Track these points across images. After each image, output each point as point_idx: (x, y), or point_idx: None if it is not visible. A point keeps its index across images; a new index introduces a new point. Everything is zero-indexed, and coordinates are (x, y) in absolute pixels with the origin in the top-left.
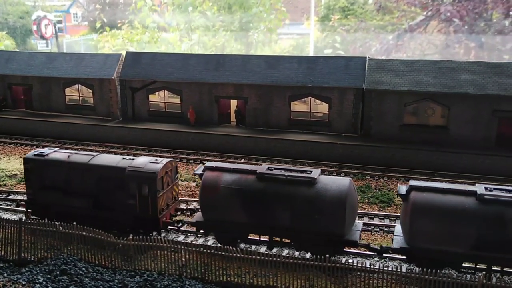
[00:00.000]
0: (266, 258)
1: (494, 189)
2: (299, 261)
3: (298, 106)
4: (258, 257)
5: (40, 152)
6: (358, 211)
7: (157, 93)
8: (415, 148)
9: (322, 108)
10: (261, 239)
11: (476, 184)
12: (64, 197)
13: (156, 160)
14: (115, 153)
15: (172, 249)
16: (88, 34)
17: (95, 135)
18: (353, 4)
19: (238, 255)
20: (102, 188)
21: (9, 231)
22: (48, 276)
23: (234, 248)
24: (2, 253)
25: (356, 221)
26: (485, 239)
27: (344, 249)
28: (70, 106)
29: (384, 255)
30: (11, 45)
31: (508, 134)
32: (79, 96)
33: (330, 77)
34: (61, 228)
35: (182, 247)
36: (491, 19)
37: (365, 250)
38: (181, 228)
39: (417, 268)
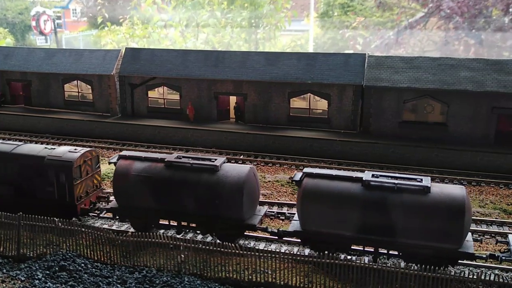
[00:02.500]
0: (265, 254)
1: (380, 175)
2: (298, 257)
3: (297, 103)
4: (257, 254)
5: None
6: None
7: (156, 89)
8: (414, 145)
9: (321, 104)
10: (171, 223)
11: (366, 171)
12: None
13: (75, 149)
14: (114, 150)
15: (171, 246)
16: (87, 30)
17: (94, 131)
18: (353, 1)
19: (237, 251)
20: (24, 176)
21: (8, 227)
22: (47, 272)
23: (232, 245)
24: (1, 249)
25: (259, 206)
26: (370, 223)
27: (245, 233)
28: (69, 102)
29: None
30: (10, 41)
31: (507, 131)
32: (78, 92)
33: (329, 74)
34: (60, 224)
35: (181, 243)
36: (491, 16)
37: (264, 234)
38: (100, 215)
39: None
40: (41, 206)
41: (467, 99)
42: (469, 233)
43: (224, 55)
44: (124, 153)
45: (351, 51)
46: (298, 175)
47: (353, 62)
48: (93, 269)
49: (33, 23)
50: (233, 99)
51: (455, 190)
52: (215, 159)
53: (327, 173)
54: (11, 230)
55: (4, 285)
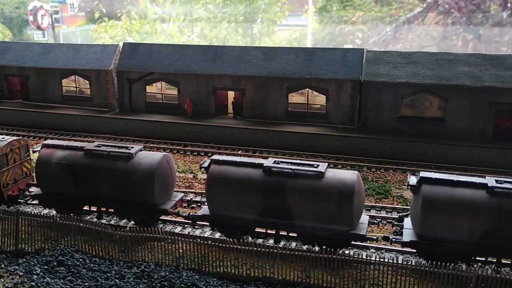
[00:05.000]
0: (263, 249)
1: (282, 162)
2: (296, 253)
3: (295, 98)
4: (255, 249)
5: None
6: None
7: (154, 84)
8: (412, 140)
9: (319, 100)
10: (91, 209)
11: (269, 158)
12: None
13: (3, 138)
14: None
15: (169, 240)
16: (85, 24)
17: (92, 127)
18: None
19: (235, 246)
20: None
21: (6, 222)
22: (46, 267)
23: (231, 240)
24: None
25: (176, 192)
26: (270, 206)
27: (160, 218)
28: (67, 97)
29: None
30: (7, 35)
31: (505, 127)
32: (76, 87)
33: (327, 69)
34: (58, 219)
35: (179, 238)
36: (489, 11)
37: (176, 218)
38: (27, 202)
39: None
40: None
41: (465, 94)
42: (366, 217)
43: (222, 50)
44: (47, 142)
45: (350, 46)
46: (206, 162)
47: (351, 57)
48: (91, 264)
49: (31, 18)
50: (231, 94)
51: (347, 175)
52: (132, 147)
53: (233, 159)
54: (9, 225)
55: (3, 280)
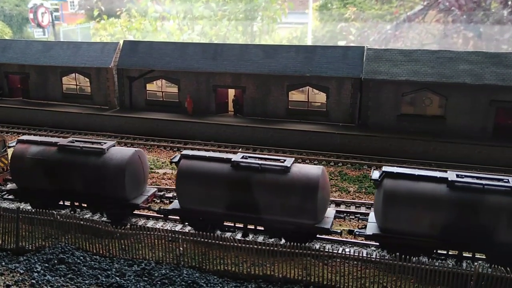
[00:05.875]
0: (264, 247)
1: (250, 157)
2: (297, 250)
3: (296, 96)
4: (256, 247)
5: None
6: None
7: (154, 82)
8: (412, 138)
9: (320, 97)
10: (65, 204)
11: (238, 153)
12: None
13: None
14: None
15: (170, 238)
16: (85, 22)
17: (92, 124)
18: None
19: (236, 244)
20: None
21: (7, 219)
22: (46, 265)
23: (231, 238)
24: (0, 242)
25: (149, 187)
26: (238, 200)
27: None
28: (67, 95)
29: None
30: (7, 33)
31: (505, 125)
32: (76, 85)
33: (328, 67)
34: (58, 217)
35: (180, 236)
36: (490, 9)
37: (150, 212)
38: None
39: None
40: None
41: (466, 92)
42: (333, 211)
43: (223, 48)
44: (22, 137)
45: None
46: (176, 157)
47: (351, 55)
48: (92, 262)
49: (31, 16)
50: (231, 92)
51: (312, 170)
52: (105, 143)
53: (202, 154)
54: (10, 223)
55: (3, 278)
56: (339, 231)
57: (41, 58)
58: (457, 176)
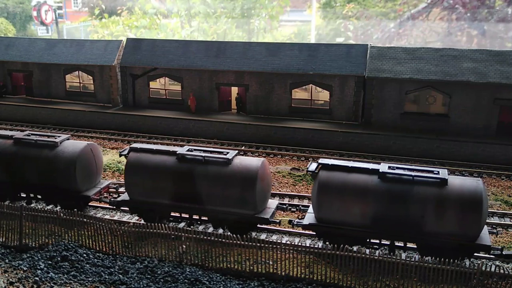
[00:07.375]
0: (267, 245)
1: (194, 149)
2: (299, 248)
3: (299, 94)
4: (258, 244)
5: None
6: None
7: (157, 80)
8: (416, 136)
9: (323, 95)
10: (21, 195)
11: (185, 146)
12: None
13: None
14: (116, 141)
15: (173, 236)
16: (88, 20)
17: (95, 122)
18: None
19: (238, 242)
20: None
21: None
22: (49, 262)
23: (234, 236)
24: (3, 239)
25: (103, 180)
26: (183, 192)
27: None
28: (70, 93)
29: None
30: (11, 30)
31: (509, 123)
32: (80, 82)
33: (331, 65)
34: (62, 214)
35: (183, 234)
36: (494, 7)
37: (102, 204)
38: None
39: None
40: None
41: (469, 90)
42: (275, 202)
43: (226, 46)
44: None
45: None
46: (125, 150)
47: (355, 53)
48: (95, 259)
49: (34, 13)
50: (234, 90)
51: (252, 162)
52: (59, 136)
53: (149, 147)
54: (14, 220)
55: (7, 275)
56: (277, 220)
57: (45, 56)
58: (389, 167)
